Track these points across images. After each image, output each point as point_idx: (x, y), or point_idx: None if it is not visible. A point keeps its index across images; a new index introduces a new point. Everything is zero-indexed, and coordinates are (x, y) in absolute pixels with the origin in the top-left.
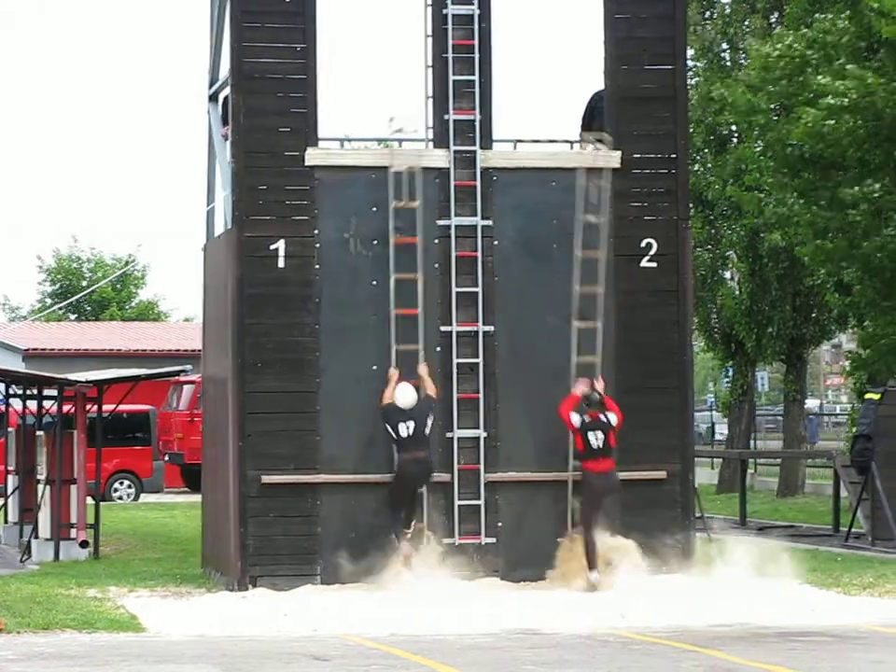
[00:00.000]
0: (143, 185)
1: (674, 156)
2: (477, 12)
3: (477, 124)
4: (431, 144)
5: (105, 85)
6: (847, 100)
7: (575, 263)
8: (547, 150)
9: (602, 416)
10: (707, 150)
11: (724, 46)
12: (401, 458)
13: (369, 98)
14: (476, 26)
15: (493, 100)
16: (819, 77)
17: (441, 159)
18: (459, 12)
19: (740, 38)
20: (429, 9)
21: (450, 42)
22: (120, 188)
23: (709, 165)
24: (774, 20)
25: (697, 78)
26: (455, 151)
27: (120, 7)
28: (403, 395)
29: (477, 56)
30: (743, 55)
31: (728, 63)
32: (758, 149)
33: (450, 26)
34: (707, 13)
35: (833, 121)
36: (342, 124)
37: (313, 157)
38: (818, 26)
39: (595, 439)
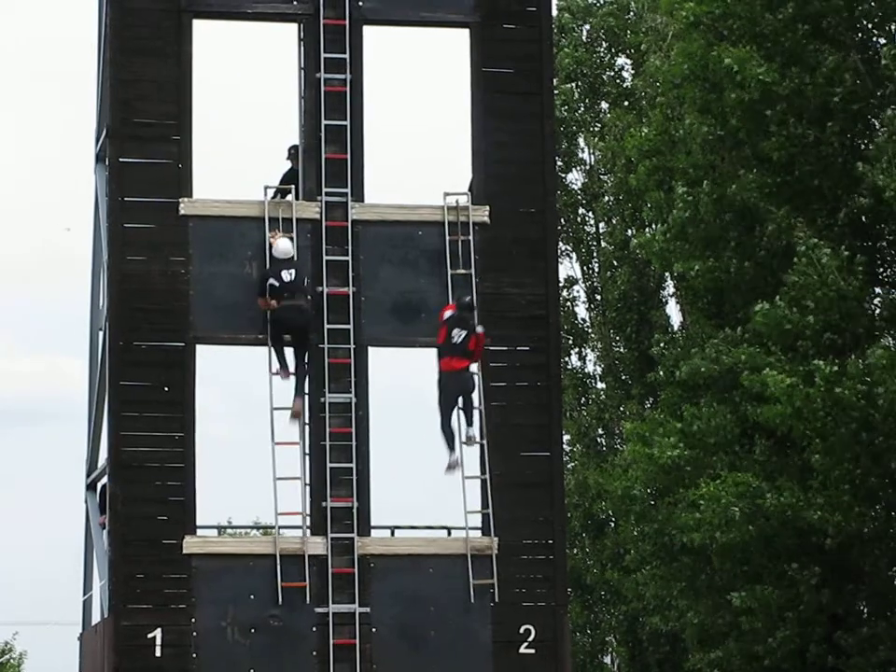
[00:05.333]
0: (20, 572)
1: (551, 542)
2: (353, 400)
3: (354, 511)
4: (309, 531)
5: None
6: (737, 511)
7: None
8: (424, 536)
9: (471, 321)
10: (584, 535)
11: (600, 431)
12: (284, 306)
13: (248, 483)
14: (353, 414)
15: (370, 490)
16: (703, 487)
17: (319, 546)
18: (336, 400)
19: (616, 423)
20: (307, 398)
21: (327, 430)
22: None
23: (587, 549)
24: (648, 405)
25: (574, 463)
26: (333, 538)
27: None
28: (284, 244)
29: (354, 444)
30: (619, 440)
31: (604, 449)
32: (636, 534)
33: (327, 414)
34: (583, 399)
35: (718, 534)
36: (222, 510)
37: (191, 545)
38: (690, 422)
39: (458, 335)
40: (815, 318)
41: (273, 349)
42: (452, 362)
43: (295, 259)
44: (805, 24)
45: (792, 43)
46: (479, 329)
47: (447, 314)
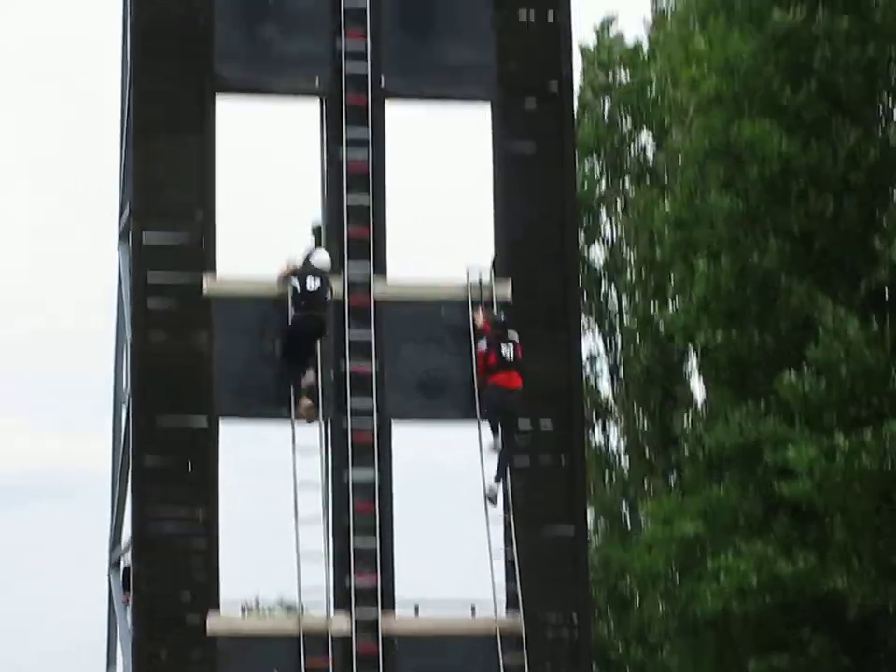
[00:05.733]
0: (43, 648)
1: (576, 620)
2: (377, 479)
3: (378, 590)
4: (333, 609)
5: None
6: (755, 580)
7: None
8: (449, 616)
9: (508, 335)
10: (609, 611)
11: (624, 506)
12: (299, 315)
13: (272, 561)
14: (377, 492)
15: (395, 567)
16: (722, 558)
17: (342, 624)
18: (360, 478)
19: (640, 499)
20: (330, 475)
21: (351, 507)
22: None
23: (612, 626)
24: (673, 480)
25: (597, 538)
26: (357, 617)
27: None
28: (323, 254)
29: (378, 522)
30: (643, 516)
31: (628, 525)
32: (660, 611)
33: (350, 491)
34: (607, 474)
35: (735, 603)
36: (246, 587)
37: (214, 624)
38: (711, 500)
39: (507, 352)
40: (839, 391)
41: (287, 384)
42: (512, 378)
43: (326, 271)
44: (825, 100)
45: (813, 118)
46: (515, 336)
47: (483, 343)
